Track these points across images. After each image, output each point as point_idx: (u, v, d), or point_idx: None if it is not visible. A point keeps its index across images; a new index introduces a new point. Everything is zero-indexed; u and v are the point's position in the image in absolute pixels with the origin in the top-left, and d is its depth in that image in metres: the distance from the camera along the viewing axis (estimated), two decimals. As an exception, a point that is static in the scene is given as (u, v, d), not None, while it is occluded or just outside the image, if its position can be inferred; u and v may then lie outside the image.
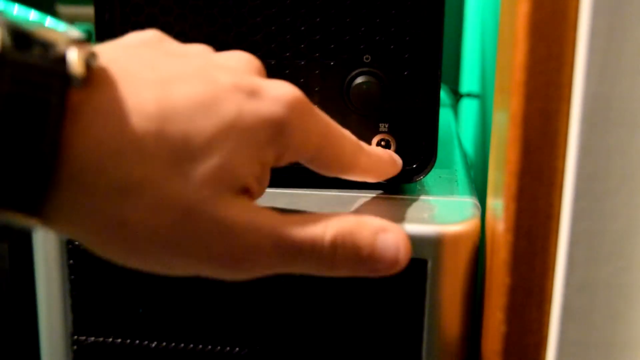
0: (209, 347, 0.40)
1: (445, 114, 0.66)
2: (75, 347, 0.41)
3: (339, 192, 0.43)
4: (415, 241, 0.37)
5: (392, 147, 0.42)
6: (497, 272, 0.34)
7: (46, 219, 0.25)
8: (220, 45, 0.42)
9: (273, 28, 0.41)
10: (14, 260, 0.51)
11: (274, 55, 0.42)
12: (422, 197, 0.42)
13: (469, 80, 0.80)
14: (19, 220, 0.23)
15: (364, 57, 0.42)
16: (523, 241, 0.32)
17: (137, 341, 0.41)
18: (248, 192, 0.28)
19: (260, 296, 0.39)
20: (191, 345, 0.40)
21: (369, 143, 0.43)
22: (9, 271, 0.51)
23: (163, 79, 0.26)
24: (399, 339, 0.39)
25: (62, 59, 0.23)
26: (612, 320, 0.31)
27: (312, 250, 0.28)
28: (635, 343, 0.31)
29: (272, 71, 0.42)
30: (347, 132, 0.33)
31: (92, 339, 0.41)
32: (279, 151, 0.29)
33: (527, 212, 0.31)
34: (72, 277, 0.40)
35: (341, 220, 0.29)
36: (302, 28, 0.41)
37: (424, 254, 0.37)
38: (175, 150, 0.25)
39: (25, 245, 0.51)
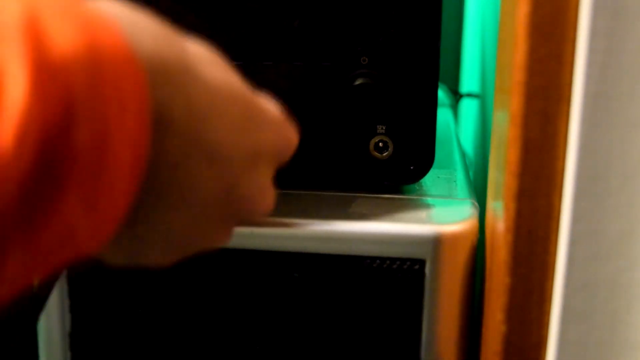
0: (209, 347, 0.40)
1: (444, 114, 0.66)
2: (73, 347, 0.41)
3: (339, 192, 0.43)
4: (414, 241, 0.37)
5: (390, 149, 0.42)
6: (497, 272, 0.34)
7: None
8: (220, 45, 0.42)
9: (272, 29, 0.41)
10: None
11: (272, 56, 0.42)
12: (421, 197, 0.42)
13: (469, 80, 0.80)
14: None
15: (362, 58, 0.41)
16: (523, 241, 0.32)
17: (137, 341, 0.41)
18: None
19: (260, 298, 0.39)
20: (191, 346, 0.40)
21: (367, 144, 0.42)
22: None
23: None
24: (397, 339, 0.39)
25: None
26: (612, 320, 0.31)
27: None
28: (635, 343, 0.31)
29: (269, 73, 0.42)
30: None
31: (91, 339, 0.41)
32: None
33: (527, 212, 0.31)
34: (70, 277, 0.40)
35: None
36: (301, 29, 0.41)
37: (422, 254, 0.37)
38: None
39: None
